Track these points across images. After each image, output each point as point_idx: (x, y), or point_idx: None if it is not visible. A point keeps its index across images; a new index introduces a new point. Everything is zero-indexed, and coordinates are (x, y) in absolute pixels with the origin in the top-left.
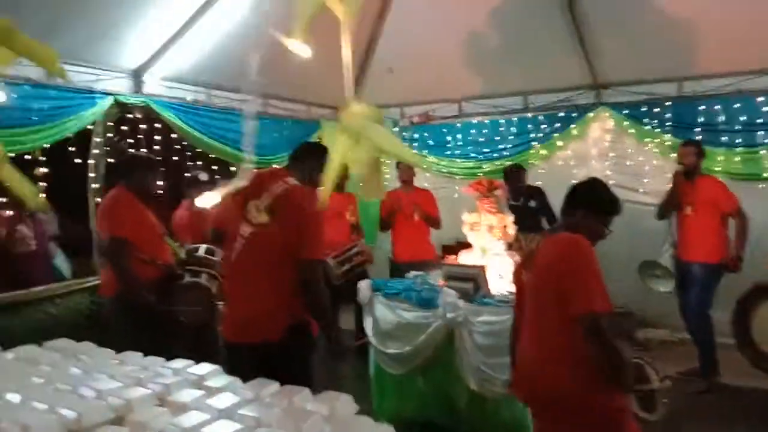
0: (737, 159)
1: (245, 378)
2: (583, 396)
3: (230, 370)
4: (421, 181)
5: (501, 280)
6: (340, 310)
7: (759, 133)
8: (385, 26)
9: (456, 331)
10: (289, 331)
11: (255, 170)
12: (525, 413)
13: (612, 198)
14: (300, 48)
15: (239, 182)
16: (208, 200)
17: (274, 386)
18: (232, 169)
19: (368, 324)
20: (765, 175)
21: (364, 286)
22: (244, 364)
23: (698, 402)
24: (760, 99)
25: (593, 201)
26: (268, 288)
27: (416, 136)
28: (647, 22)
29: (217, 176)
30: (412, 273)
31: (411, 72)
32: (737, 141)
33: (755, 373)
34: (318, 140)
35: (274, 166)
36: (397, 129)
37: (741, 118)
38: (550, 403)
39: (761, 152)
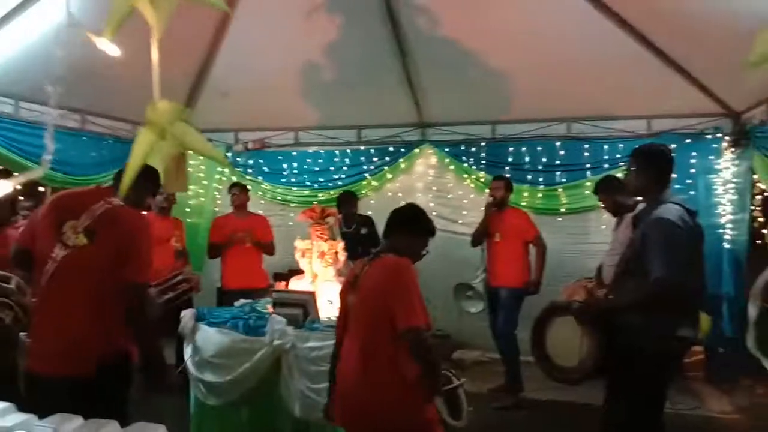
0: (539, 195)
1: (51, 414)
2: (399, 411)
3: (32, 407)
4: (255, 207)
5: (331, 306)
6: (163, 345)
7: (557, 173)
8: (221, 49)
9: (283, 357)
10: (104, 363)
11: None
12: None
13: (429, 221)
14: (109, 47)
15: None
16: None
17: (77, 420)
18: (41, 189)
19: (188, 354)
20: (561, 210)
21: (187, 314)
22: (50, 399)
23: (504, 416)
24: (558, 144)
25: (413, 224)
26: (83, 316)
27: (251, 162)
28: (467, 70)
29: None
30: (241, 301)
31: (247, 98)
32: (540, 179)
33: (554, 386)
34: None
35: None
36: (230, 154)
37: (543, 160)
38: (369, 421)
39: (558, 190)
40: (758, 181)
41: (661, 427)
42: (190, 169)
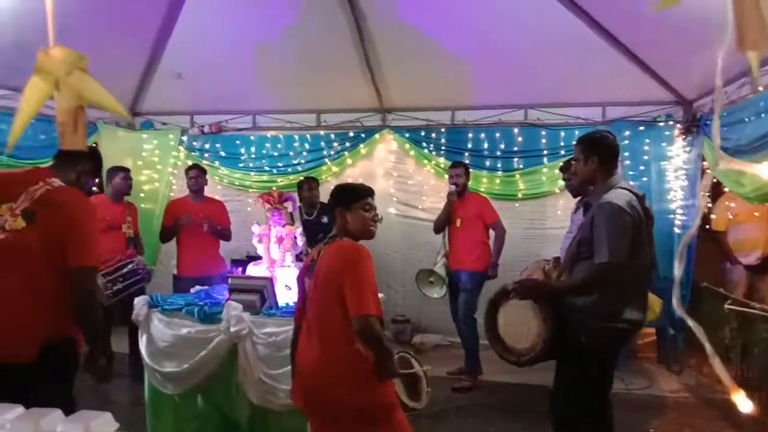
0: (498, 181)
1: None
2: (360, 396)
3: None
4: (212, 193)
5: (288, 292)
6: (111, 333)
7: (515, 159)
8: (174, 30)
9: (240, 344)
10: (46, 350)
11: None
12: (307, 422)
13: (351, 189)
14: None
15: None
16: None
17: (18, 409)
18: None
19: (143, 343)
20: (519, 195)
21: (139, 302)
22: None
23: (463, 398)
24: (516, 130)
25: (339, 201)
26: (23, 301)
27: (207, 146)
28: (427, 57)
29: None
30: (197, 287)
31: (203, 80)
32: (498, 166)
33: (512, 369)
34: (94, 144)
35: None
36: (185, 138)
37: (501, 146)
38: (329, 405)
39: (516, 176)
40: (708, 168)
41: (607, 406)
42: (144, 154)
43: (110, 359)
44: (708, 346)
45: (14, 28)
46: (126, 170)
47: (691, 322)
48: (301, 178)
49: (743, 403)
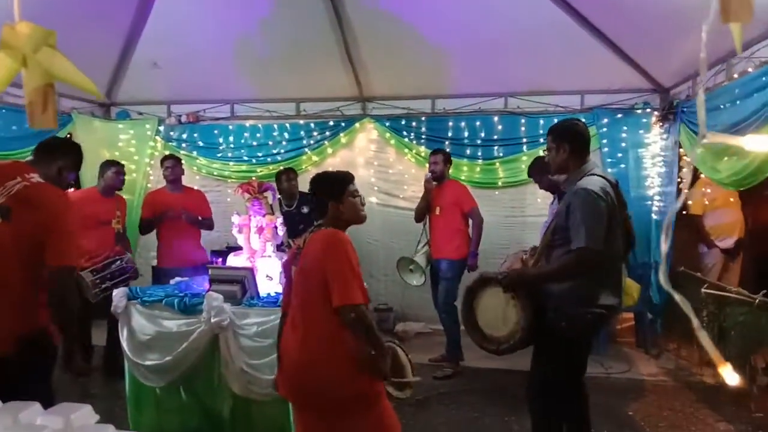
0: (478, 169)
1: None
2: (342, 384)
3: None
4: (191, 183)
5: (270, 282)
6: (92, 326)
7: (495, 147)
8: (149, 19)
9: (221, 336)
10: (22, 344)
11: None
12: (290, 411)
13: (330, 179)
14: None
15: None
16: None
17: None
18: None
19: (124, 336)
20: (499, 183)
21: (118, 294)
22: None
23: (445, 384)
24: (496, 118)
25: (322, 192)
26: None
27: (185, 136)
28: (407, 45)
29: None
30: (176, 279)
31: (179, 69)
32: (478, 154)
33: (490, 354)
34: (69, 135)
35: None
36: (162, 127)
37: (481, 134)
38: (311, 394)
39: (496, 164)
40: (684, 155)
41: (580, 389)
42: (120, 144)
43: (90, 352)
44: (695, 320)
45: None
46: (119, 165)
47: (677, 296)
48: (280, 168)
49: (730, 375)
